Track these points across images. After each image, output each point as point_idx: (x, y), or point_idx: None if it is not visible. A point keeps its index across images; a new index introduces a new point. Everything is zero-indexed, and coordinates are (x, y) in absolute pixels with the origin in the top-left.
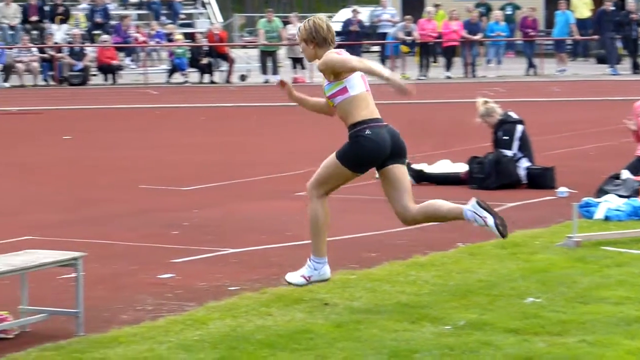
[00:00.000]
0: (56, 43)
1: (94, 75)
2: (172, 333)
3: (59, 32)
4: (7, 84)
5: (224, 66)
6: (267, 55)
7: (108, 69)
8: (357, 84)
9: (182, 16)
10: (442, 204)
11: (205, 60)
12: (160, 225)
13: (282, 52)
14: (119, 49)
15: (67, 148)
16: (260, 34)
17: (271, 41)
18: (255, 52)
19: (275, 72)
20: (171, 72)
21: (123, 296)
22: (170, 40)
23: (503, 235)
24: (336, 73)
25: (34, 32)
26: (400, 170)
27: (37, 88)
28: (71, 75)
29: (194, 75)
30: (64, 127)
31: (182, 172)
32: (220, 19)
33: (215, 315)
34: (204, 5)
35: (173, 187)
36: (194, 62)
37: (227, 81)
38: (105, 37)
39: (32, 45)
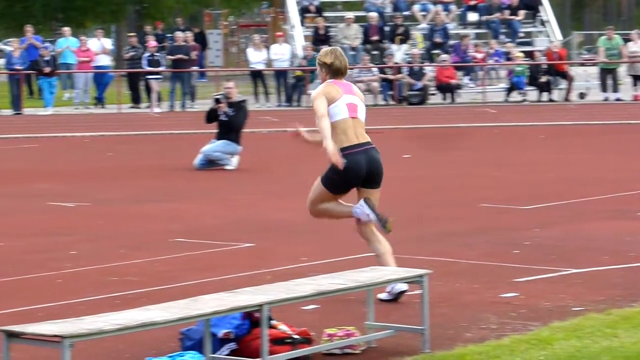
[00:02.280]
0: (396, 63)
1: (433, 94)
2: (517, 352)
3: (398, 52)
4: None
5: (563, 84)
6: (607, 73)
7: (447, 88)
8: (339, 112)
9: (521, 34)
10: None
11: (544, 79)
12: (501, 244)
13: (622, 70)
14: (458, 68)
15: (406, 166)
16: (600, 52)
17: (611, 59)
18: (594, 70)
19: (615, 90)
20: (509, 90)
21: (466, 314)
22: (509, 59)
23: (384, 226)
24: None
25: (375, 52)
26: (369, 193)
27: (377, 107)
28: (410, 94)
29: (532, 94)
30: (403, 145)
31: (521, 190)
32: (559, 36)
33: (560, 335)
34: (542, 23)
35: (513, 206)
36: (532, 81)
37: (566, 99)
38: (444, 56)
39: (372, 65)
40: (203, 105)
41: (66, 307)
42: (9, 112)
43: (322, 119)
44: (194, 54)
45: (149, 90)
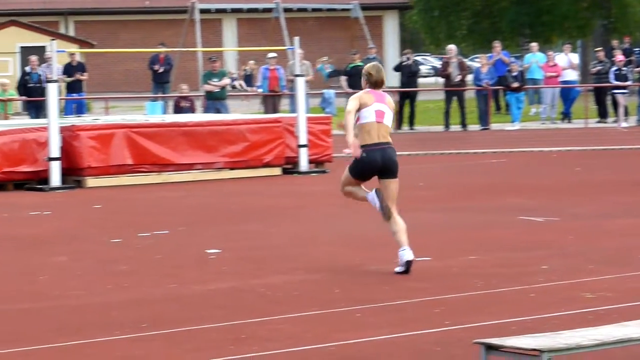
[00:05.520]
0: None
1: None
2: None
3: None
4: None
5: None
6: None
7: None
8: (367, 116)
9: None
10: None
11: None
12: None
13: None
14: None
15: None
16: None
17: None
18: None
19: None
20: None
21: None
22: None
23: (385, 216)
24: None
25: None
26: (386, 183)
27: None
28: None
29: None
30: None
31: None
32: None
33: None
34: None
35: None
36: None
37: None
38: None
39: None
40: None
41: (539, 321)
42: (476, 127)
43: (348, 115)
44: None
45: (615, 104)
